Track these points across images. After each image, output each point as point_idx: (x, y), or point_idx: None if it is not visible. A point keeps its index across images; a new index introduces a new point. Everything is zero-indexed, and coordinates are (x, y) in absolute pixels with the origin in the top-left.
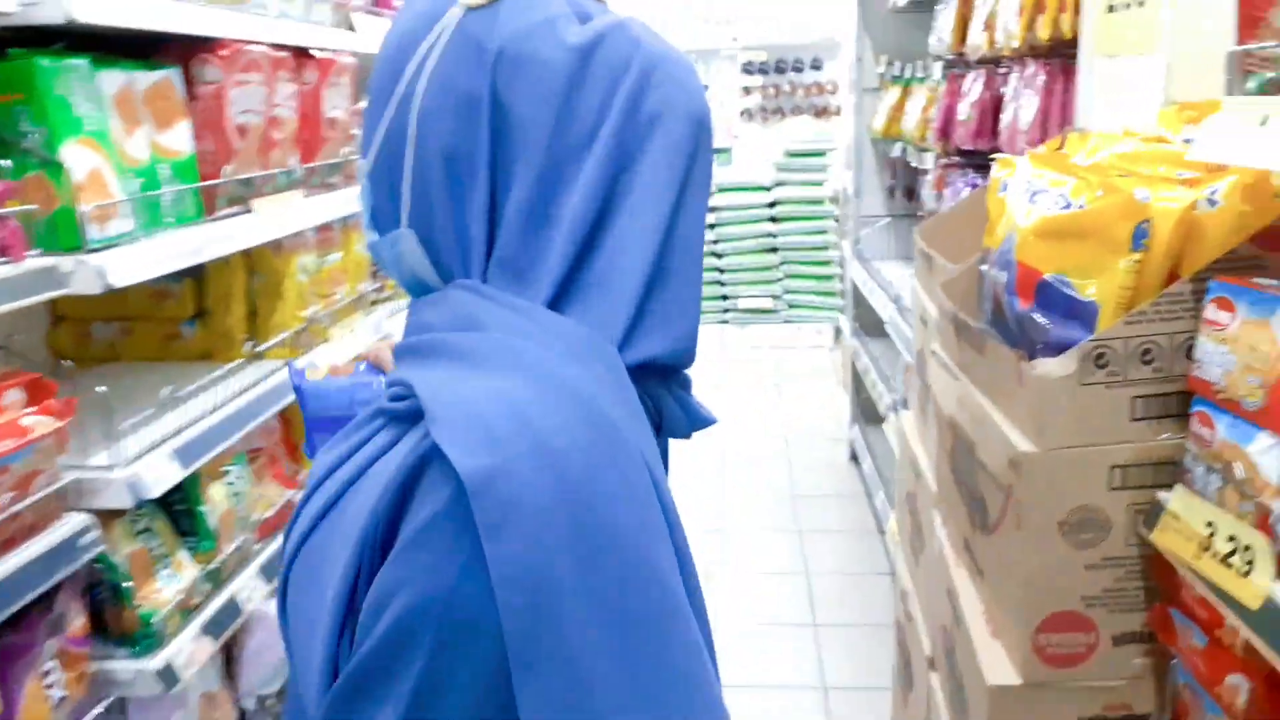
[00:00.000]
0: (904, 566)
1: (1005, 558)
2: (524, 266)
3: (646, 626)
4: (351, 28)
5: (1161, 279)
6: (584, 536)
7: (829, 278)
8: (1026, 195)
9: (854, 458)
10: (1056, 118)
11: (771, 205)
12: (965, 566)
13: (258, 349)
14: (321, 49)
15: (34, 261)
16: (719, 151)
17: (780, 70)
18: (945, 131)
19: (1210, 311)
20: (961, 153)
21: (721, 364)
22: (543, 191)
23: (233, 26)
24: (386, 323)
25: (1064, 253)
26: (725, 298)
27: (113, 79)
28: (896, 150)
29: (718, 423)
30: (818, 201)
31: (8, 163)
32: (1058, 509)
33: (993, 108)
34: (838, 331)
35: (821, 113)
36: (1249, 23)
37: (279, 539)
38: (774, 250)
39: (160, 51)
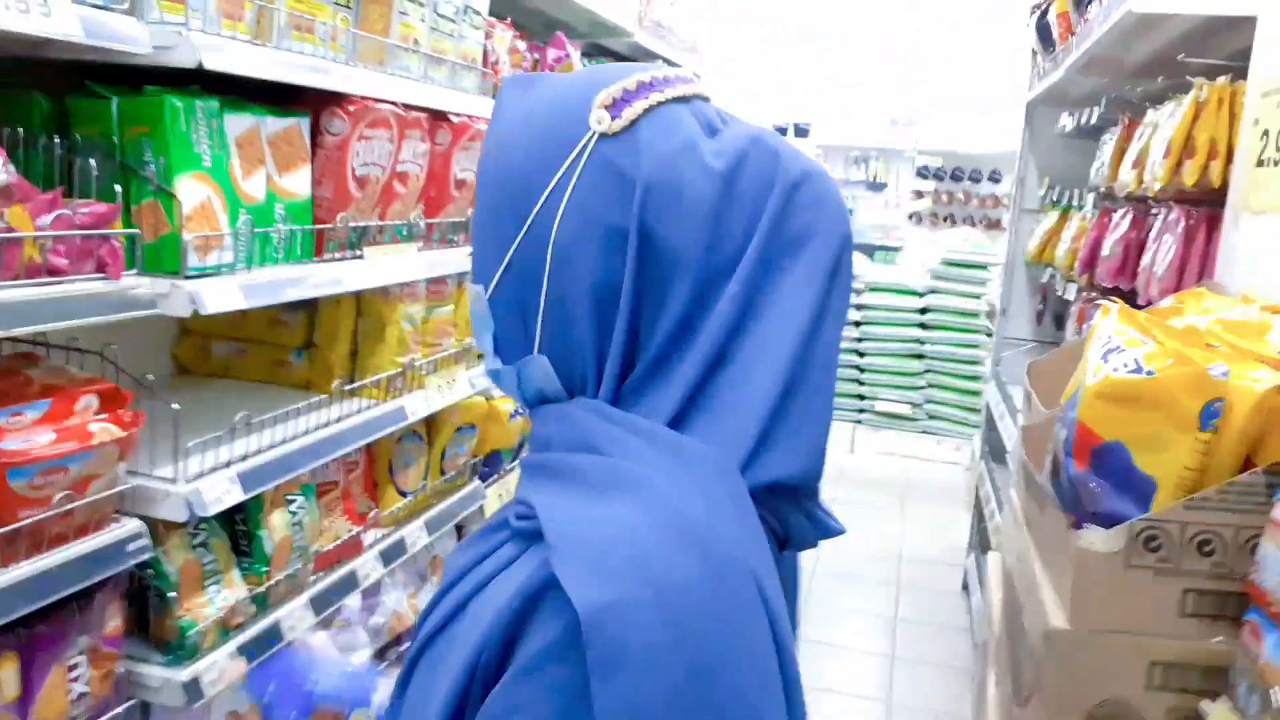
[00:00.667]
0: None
1: None
2: (654, 385)
3: None
4: (495, 96)
5: (1234, 464)
6: (690, 687)
7: (975, 393)
8: (1101, 352)
9: (965, 587)
10: (1195, 269)
11: (923, 311)
12: None
13: (346, 386)
14: (458, 114)
15: (129, 280)
16: (885, 250)
17: (956, 178)
18: (1090, 264)
19: (1277, 510)
20: (1104, 289)
21: (848, 467)
22: (685, 314)
23: (359, 84)
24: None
25: (1126, 419)
26: (863, 398)
27: (239, 121)
28: (1047, 275)
29: (845, 532)
30: (972, 314)
31: (121, 189)
32: (1087, 697)
33: (1137, 247)
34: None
35: (993, 225)
36: None
37: (338, 571)
38: (920, 357)
39: (300, 100)
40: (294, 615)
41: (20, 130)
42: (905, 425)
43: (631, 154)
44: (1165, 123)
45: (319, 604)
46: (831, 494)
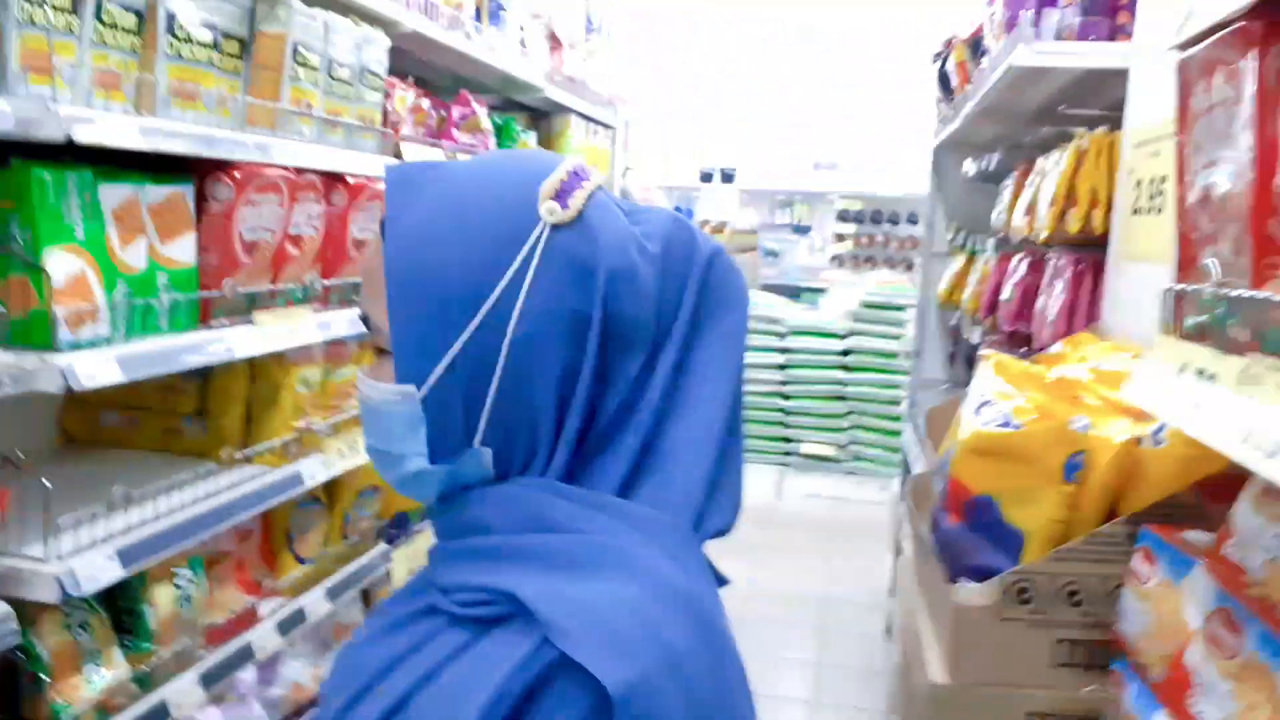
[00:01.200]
0: None
1: None
2: (602, 454)
3: None
4: (398, 155)
5: (1099, 514)
6: None
7: (896, 433)
8: (975, 405)
9: (889, 630)
10: (1084, 312)
11: (845, 354)
12: None
13: (239, 453)
14: (355, 175)
15: None
16: (811, 291)
17: (876, 220)
18: (991, 307)
19: (1136, 561)
20: (1005, 333)
21: (775, 511)
22: (636, 382)
23: (247, 150)
24: None
25: (995, 473)
26: (788, 440)
27: (116, 191)
28: (956, 318)
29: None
30: (892, 355)
31: None
32: None
33: (1033, 291)
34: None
35: (911, 267)
36: (1186, 262)
37: (232, 645)
38: (843, 399)
39: (187, 166)
40: (183, 693)
41: None
42: (831, 467)
43: (588, 243)
44: (1051, 171)
45: (210, 679)
46: (759, 539)
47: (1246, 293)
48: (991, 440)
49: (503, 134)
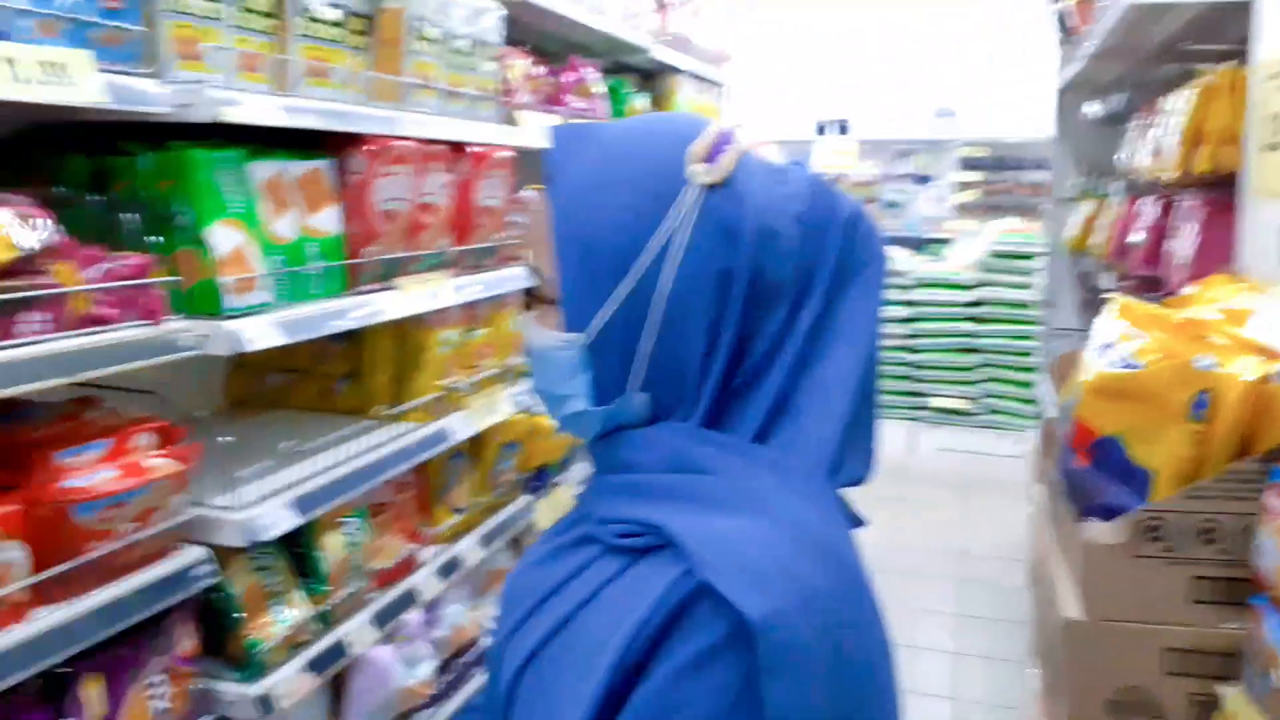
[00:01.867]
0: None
1: None
2: (740, 404)
3: None
4: (514, 123)
5: (1229, 452)
6: (840, 681)
7: (1032, 385)
8: (1098, 347)
9: (1032, 581)
10: (1215, 255)
11: (974, 305)
12: None
13: (389, 411)
14: (477, 144)
15: (171, 324)
16: (934, 243)
17: (1000, 167)
18: (1120, 252)
19: (1270, 498)
20: (1136, 277)
21: (908, 465)
22: (778, 336)
23: (376, 124)
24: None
25: (1120, 413)
26: (918, 394)
27: (264, 168)
28: (1086, 265)
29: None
30: (1022, 305)
31: (158, 239)
32: (1103, 687)
33: (1162, 235)
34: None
35: (1040, 214)
36: None
37: (397, 588)
38: (974, 351)
39: (324, 142)
40: (357, 631)
41: (63, 189)
42: (964, 420)
43: (735, 204)
44: (1177, 110)
45: (381, 619)
46: (894, 492)
47: None
48: (1114, 381)
49: (613, 97)
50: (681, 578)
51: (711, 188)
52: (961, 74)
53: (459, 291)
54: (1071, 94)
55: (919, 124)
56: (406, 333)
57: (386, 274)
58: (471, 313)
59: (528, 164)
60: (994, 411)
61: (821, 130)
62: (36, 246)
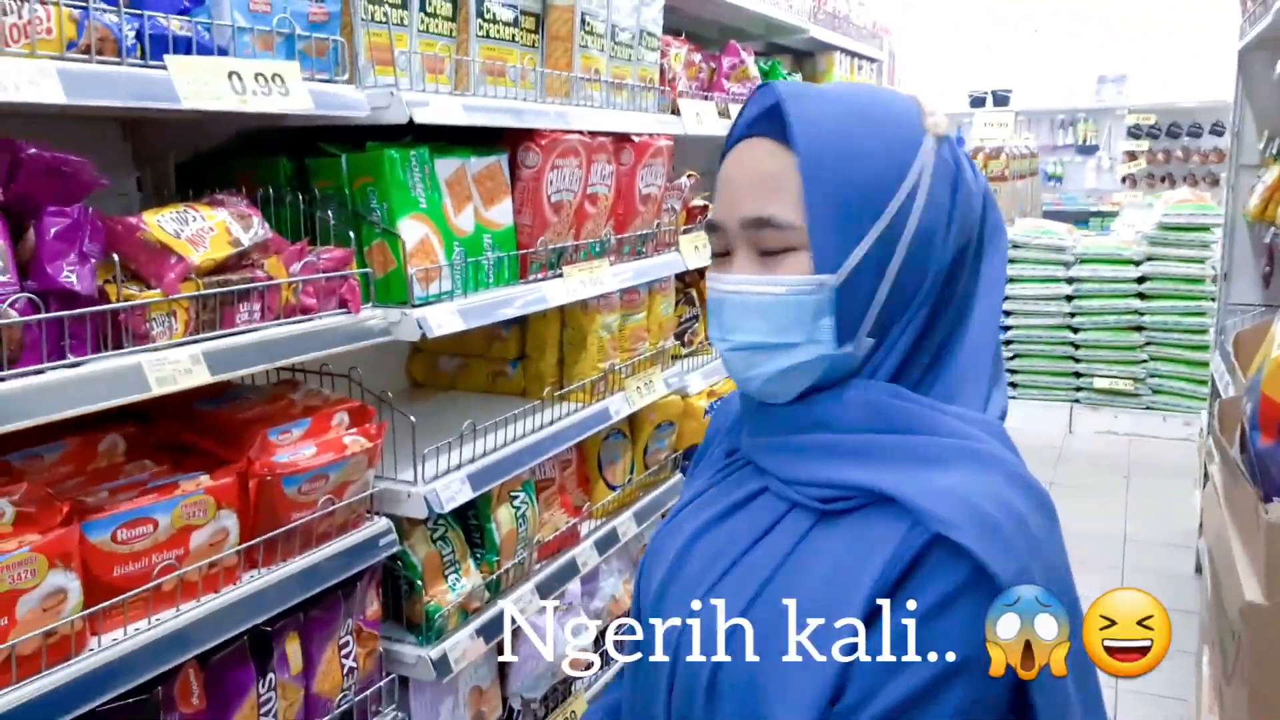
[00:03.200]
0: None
1: (1235, 716)
2: (912, 354)
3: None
4: (676, 112)
5: None
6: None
7: (1203, 364)
8: None
9: (1199, 569)
10: None
11: (1141, 280)
12: (1216, 716)
13: (556, 392)
14: (640, 134)
15: (367, 313)
16: (1099, 216)
17: (1173, 134)
18: None
19: None
20: None
21: (1063, 447)
22: (955, 284)
23: (548, 119)
24: (689, 376)
25: None
26: (1079, 375)
27: (447, 164)
28: (1270, 235)
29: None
30: (1197, 280)
31: (355, 234)
32: None
33: None
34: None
35: (1216, 182)
36: None
37: (559, 560)
38: (1140, 329)
39: (499, 137)
40: (523, 600)
41: (270, 189)
42: (1127, 402)
43: (954, 156)
44: None
45: (544, 590)
46: (1050, 476)
47: None
48: None
49: (769, 78)
50: (910, 532)
51: (942, 140)
52: (1128, 38)
53: (617, 278)
54: (1256, 51)
55: (1082, 91)
56: (570, 318)
57: (554, 263)
58: (630, 298)
59: (686, 151)
60: (1159, 392)
61: (979, 102)
62: (250, 243)
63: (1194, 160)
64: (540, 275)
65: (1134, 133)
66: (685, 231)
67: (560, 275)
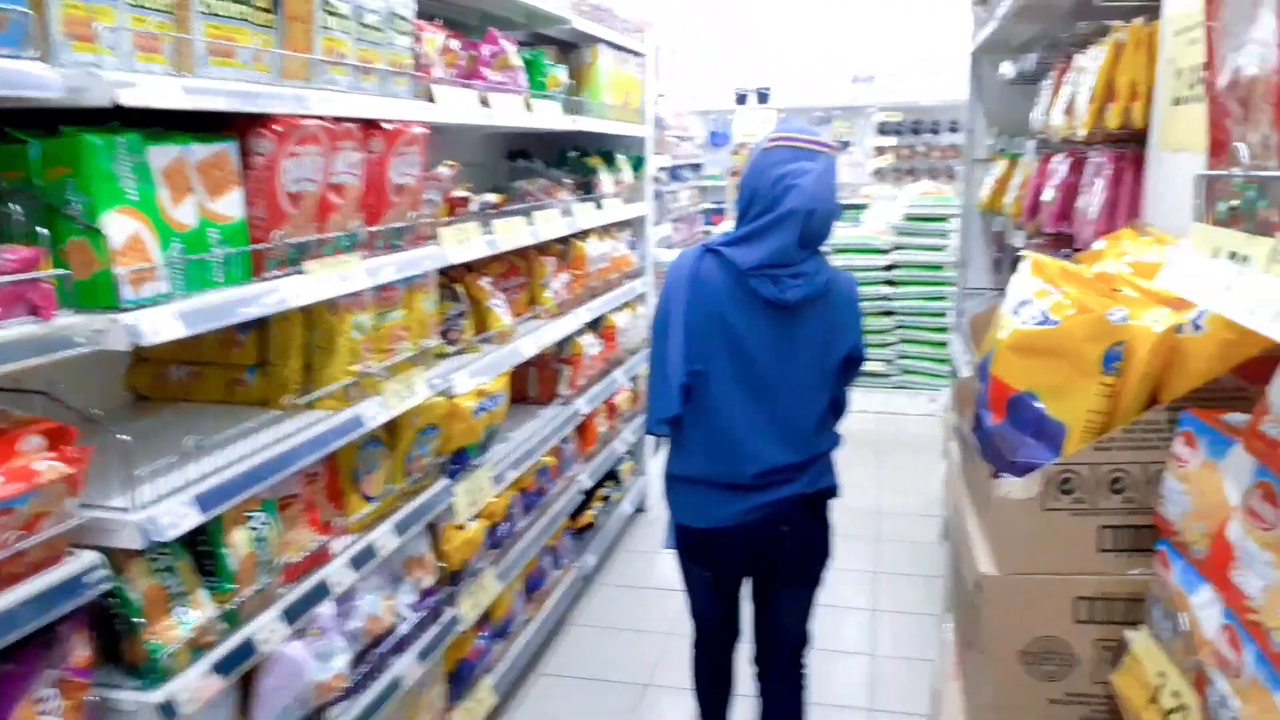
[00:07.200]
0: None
1: (976, 680)
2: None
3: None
4: (430, 99)
5: (1140, 403)
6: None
7: (944, 344)
8: (1013, 305)
9: (947, 536)
10: (1125, 210)
11: (889, 268)
12: (959, 680)
13: (298, 400)
14: (391, 120)
15: (63, 320)
16: (852, 208)
17: (915, 131)
18: (1033, 210)
19: (1177, 446)
20: (1048, 235)
21: None
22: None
23: (284, 103)
24: (454, 376)
25: (1035, 369)
26: None
27: (164, 152)
28: (999, 224)
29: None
30: (937, 267)
31: (48, 231)
32: (1018, 637)
33: (1074, 192)
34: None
35: (954, 176)
36: (1217, 148)
37: (308, 582)
38: (889, 314)
39: (228, 123)
40: (267, 628)
41: None
42: (879, 382)
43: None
44: (1090, 66)
45: (291, 615)
46: None
47: (1275, 174)
48: (1030, 338)
49: (532, 69)
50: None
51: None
52: (878, 39)
53: (370, 274)
54: (986, 55)
55: (837, 90)
56: (317, 318)
57: (294, 258)
58: (385, 295)
59: (445, 140)
60: (907, 372)
61: (742, 99)
62: None
63: (934, 156)
64: (279, 272)
65: (883, 129)
66: (447, 224)
67: (302, 272)
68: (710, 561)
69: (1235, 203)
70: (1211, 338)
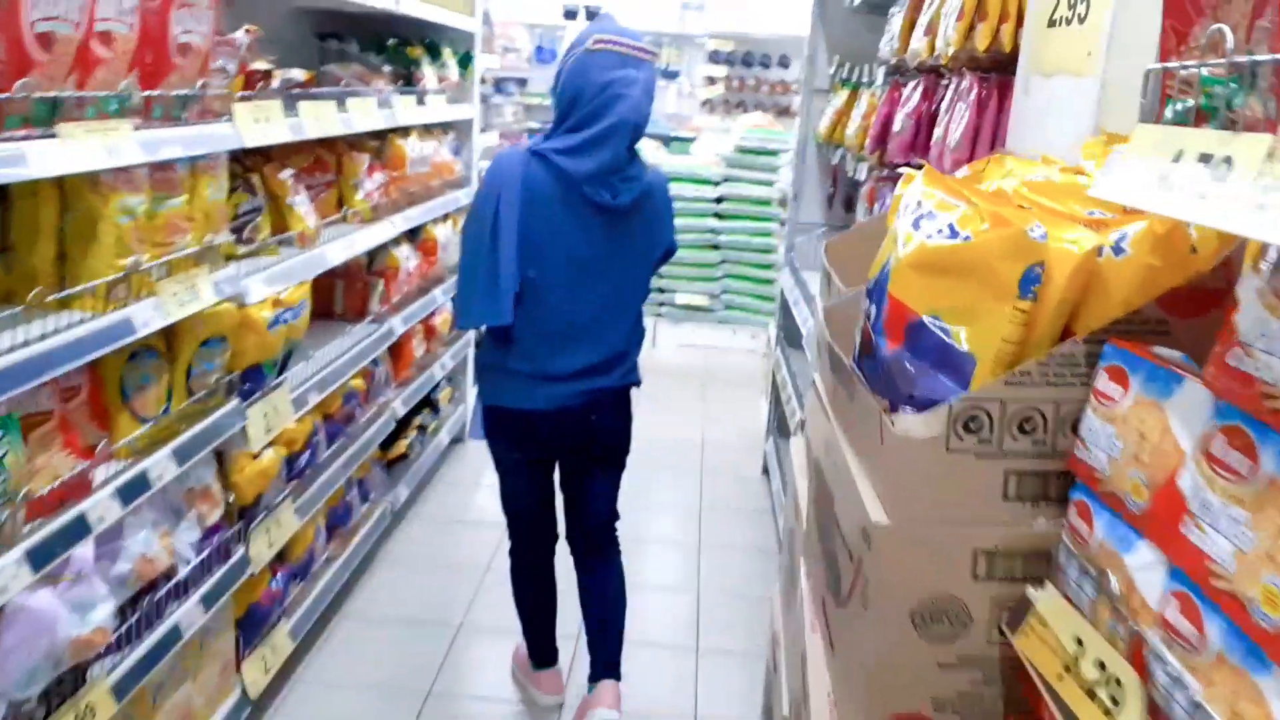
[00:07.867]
0: (778, 607)
1: (852, 638)
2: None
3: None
4: None
5: (1053, 335)
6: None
7: (770, 281)
8: (911, 219)
9: (766, 471)
10: (988, 138)
11: (718, 201)
12: (820, 634)
13: (52, 296)
14: None
15: None
16: (680, 140)
17: (747, 63)
18: (881, 140)
19: (1101, 382)
20: (894, 166)
21: (648, 360)
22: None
23: None
24: (247, 281)
25: (942, 290)
26: (662, 290)
27: None
28: (838, 157)
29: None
30: (765, 202)
31: None
32: (910, 594)
33: (929, 120)
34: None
35: (783, 112)
36: (1173, 37)
37: (62, 517)
38: (716, 248)
39: None
40: (7, 574)
41: None
42: (704, 316)
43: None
44: None
45: (38, 557)
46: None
47: (1266, 58)
48: (938, 254)
49: None
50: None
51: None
52: None
53: (146, 148)
54: None
55: (667, 16)
56: (74, 197)
57: (44, 117)
58: (163, 175)
59: (241, 7)
60: (731, 308)
61: (571, 15)
62: None
63: (763, 91)
64: (22, 132)
65: (713, 58)
66: (244, 99)
67: (55, 135)
68: (524, 442)
69: (1196, 101)
70: (1134, 261)
